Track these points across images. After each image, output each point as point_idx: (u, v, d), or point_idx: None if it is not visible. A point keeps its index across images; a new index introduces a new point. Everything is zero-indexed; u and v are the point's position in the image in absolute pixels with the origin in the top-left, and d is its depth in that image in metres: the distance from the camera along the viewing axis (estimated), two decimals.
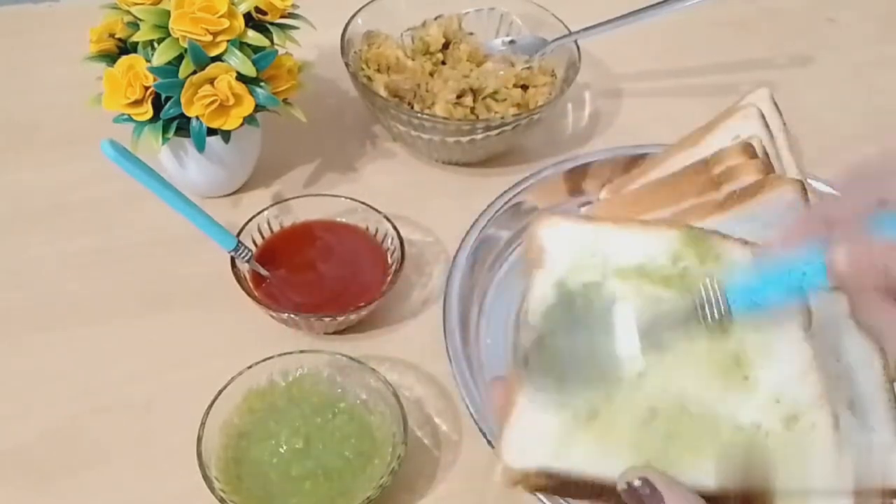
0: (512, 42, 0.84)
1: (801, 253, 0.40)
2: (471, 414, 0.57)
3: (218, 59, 0.64)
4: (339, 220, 0.69)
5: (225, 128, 0.65)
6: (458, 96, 0.76)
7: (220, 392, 0.55)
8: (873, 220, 0.39)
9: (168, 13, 0.62)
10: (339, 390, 0.57)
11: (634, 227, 0.44)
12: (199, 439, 0.52)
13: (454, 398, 0.61)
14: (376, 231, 0.68)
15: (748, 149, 0.65)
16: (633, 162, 0.75)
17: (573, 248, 0.43)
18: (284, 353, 0.57)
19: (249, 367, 0.56)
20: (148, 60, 0.63)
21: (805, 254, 0.39)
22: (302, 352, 0.58)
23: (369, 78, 0.78)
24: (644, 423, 0.39)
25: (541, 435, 0.39)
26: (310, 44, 0.72)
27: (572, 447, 0.39)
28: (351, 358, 0.57)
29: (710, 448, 0.39)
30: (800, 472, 0.40)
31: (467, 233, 0.68)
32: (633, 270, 0.43)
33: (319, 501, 0.52)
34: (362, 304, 0.62)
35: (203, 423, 0.53)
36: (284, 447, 0.54)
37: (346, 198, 0.68)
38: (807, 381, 0.42)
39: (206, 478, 0.51)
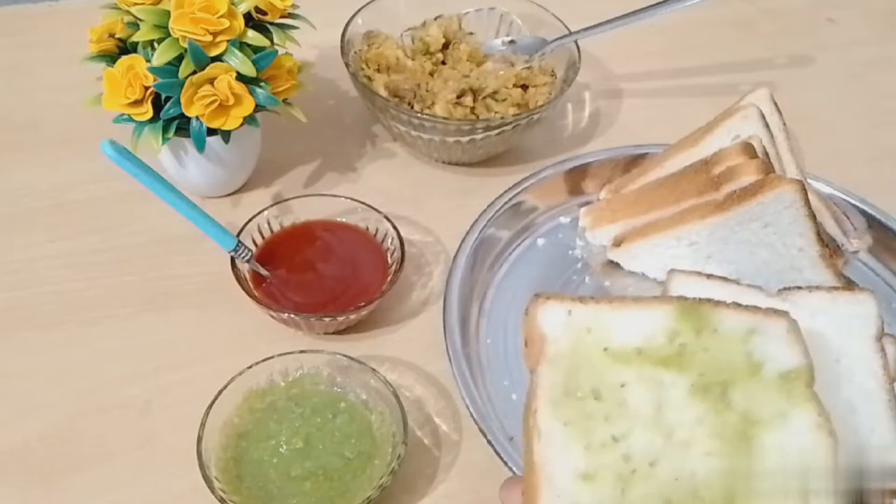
0: (512, 42, 0.84)
1: None
2: (471, 414, 0.57)
3: (218, 59, 0.64)
4: (339, 219, 0.69)
5: (225, 128, 0.65)
6: (458, 96, 0.76)
7: (220, 392, 0.55)
8: None
9: (168, 13, 0.62)
10: (339, 390, 0.57)
11: (629, 307, 0.44)
12: (199, 439, 0.52)
13: (454, 398, 0.61)
14: (376, 231, 0.68)
15: (748, 149, 0.65)
16: (632, 162, 0.76)
17: (571, 336, 0.43)
18: (284, 353, 0.57)
19: (249, 367, 0.56)
20: (148, 60, 0.63)
21: None
22: (302, 352, 0.58)
23: (369, 78, 0.78)
24: None
25: None
26: (310, 44, 0.72)
27: None
28: (351, 358, 0.57)
29: None
30: None
31: (467, 233, 0.68)
32: (633, 353, 0.43)
33: (319, 501, 0.52)
34: (362, 303, 0.62)
35: (203, 424, 0.53)
36: (284, 447, 0.54)
37: (346, 198, 0.68)
38: (818, 438, 0.42)
39: (205, 478, 0.51)
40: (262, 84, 0.66)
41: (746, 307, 0.44)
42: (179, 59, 0.63)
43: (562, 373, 0.43)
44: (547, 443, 0.41)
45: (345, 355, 0.57)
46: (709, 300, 0.45)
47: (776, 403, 0.41)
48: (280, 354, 0.57)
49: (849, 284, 0.62)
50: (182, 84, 0.62)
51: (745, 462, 0.40)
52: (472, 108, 0.76)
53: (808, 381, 0.42)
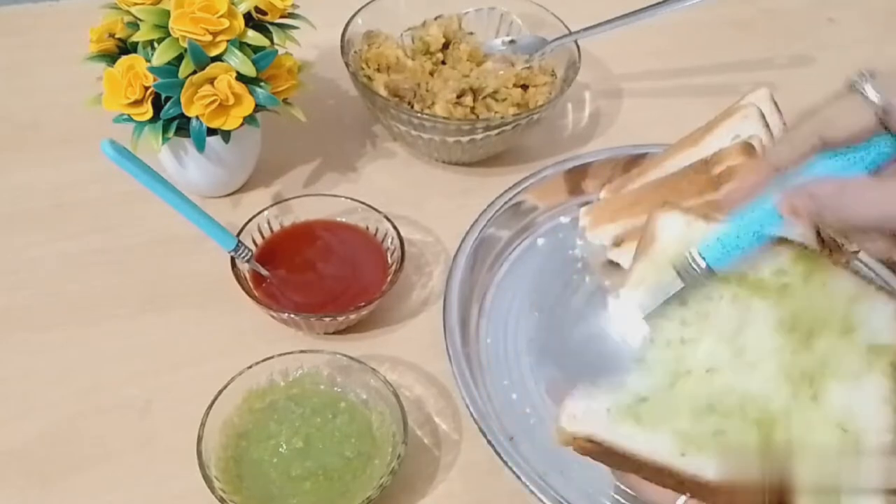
0: (512, 42, 0.84)
1: (755, 200, 0.42)
2: (471, 413, 0.57)
3: (218, 58, 0.64)
4: (339, 219, 0.69)
5: (225, 128, 0.65)
6: (458, 96, 0.76)
7: (220, 392, 0.55)
8: (811, 161, 0.42)
9: (168, 13, 0.62)
10: (339, 390, 0.57)
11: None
12: (199, 439, 0.52)
13: (454, 398, 0.61)
14: (376, 231, 0.68)
15: (748, 149, 0.65)
16: (633, 162, 0.76)
17: (680, 243, 0.45)
18: (284, 353, 0.57)
19: (249, 366, 0.56)
20: (148, 60, 0.63)
21: (759, 201, 0.42)
22: (302, 352, 0.58)
23: (369, 78, 0.78)
24: (698, 416, 0.41)
25: (595, 407, 0.43)
26: (310, 44, 0.72)
27: (620, 424, 0.42)
28: (351, 358, 0.57)
29: (755, 449, 0.40)
30: (836, 478, 0.41)
31: (467, 232, 0.68)
32: (735, 276, 0.44)
33: (320, 501, 0.52)
34: (362, 303, 0.62)
35: (203, 423, 0.53)
36: (284, 447, 0.54)
37: (346, 198, 0.68)
38: (881, 409, 0.42)
39: (206, 478, 0.51)
40: (262, 84, 0.66)
41: (864, 277, 0.45)
42: (179, 58, 0.63)
43: (655, 270, 0.45)
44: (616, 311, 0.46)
45: (345, 355, 0.57)
46: (831, 260, 0.46)
47: (856, 365, 0.42)
48: (280, 354, 0.57)
49: None
50: (182, 84, 0.62)
51: (801, 399, 0.41)
52: (472, 108, 0.76)
53: (893, 361, 0.42)
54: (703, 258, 0.44)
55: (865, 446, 0.41)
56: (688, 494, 0.42)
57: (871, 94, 0.45)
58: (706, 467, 0.41)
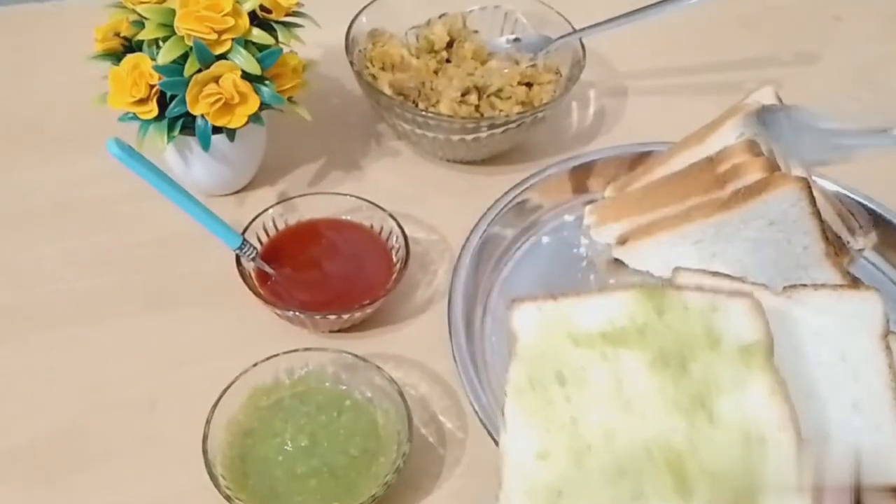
0: (517, 40, 0.84)
1: None
2: (475, 412, 0.57)
3: (223, 57, 0.64)
4: (343, 218, 0.69)
5: (230, 126, 0.65)
6: (463, 94, 0.76)
7: (225, 390, 0.55)
8: None
9: (173, 12, 0.62)
10: (344, 388, 0.57)
11: (594, 296, 0.48)
12: (205, 437, 0.52)
13: (459, 396, 0.61)
14: (381, 229, 0.68)
15: (753, 147, 0.65)
16: (637, 160, 0.76)
17: (540, 331, 0.47)
18: (289, 351, 0.57)
19: (254, 364, 0.56)
20: (153, 59, 0.63)
21: None
22: (307, 350, 0.58)
23: (374, 76, 0.78)
24: (614, 484, 0.42)
25: None
26: (314, 42, 0.72)
27: None
28: (356, 356, 0.57)
29: (677, 496, 0.41)
30: (763, 483, 0.42)
31: (472, 231, 0.68)
32: (597, 336, 0.46)
33: (325, 499, 0.52)
34: (367, 301, 0.62)
35: (208, 421, 0.53)
36: (290, 445, 0.54)
37: (351, 196, 0.68)
38: (772, 403, 0.43)
39: (211, 476, 0.51)
40: (267, 82, 0.66)
41: (709, 289, 0.47)
42: (185, 57, 0.63)
43: (527, 365, 0.46)
44: (509, 431, 0.45)
45: (350, 353, 0.57)
46: (672, 285, 0.48)
47: (734, 373, 0.43)
48: (285, 352, 0.57)
49: (854, 283, 0.62)
50: (187, 82, 0.63)
51: (698, 425, 0.42)
52: (477, 107, 0.76)
53: (766, 354, 0.44)
54: None
55: (772, 446, 0.42)
56: None
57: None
58: None
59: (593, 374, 0.45)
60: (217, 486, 0.51)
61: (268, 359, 0.57)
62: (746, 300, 0.46)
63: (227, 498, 0.50)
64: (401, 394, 0.56)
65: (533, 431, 0.45)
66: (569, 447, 0.44)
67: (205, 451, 0.52)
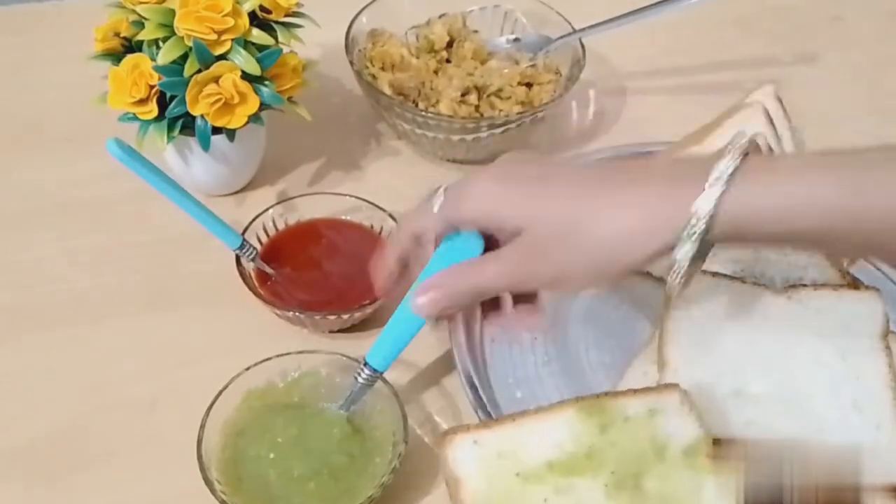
0: (516, 40, 0.84)
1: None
2: (475, 412, 0.57)
3: (223, 57, 0.64)
4: (343, 218, 0.69)
5: (230, 126, 0.65)
6: (463, 94, 0.76)
7: (219, 393, 0.55)
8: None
9: (173, 12, 0.62)
10: (339, 390, 0.57)
11: (532, 421, 0.46)
12: (199, 441, 0.52)
13: (454, 396, 0.61)
14: (381, 229, 0.68)
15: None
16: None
17: (483, 468, 0.45)
18: (282, 355, 0.57)
19: (247, 368, 0.56)
20: (153, 59, 0.63)
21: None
22: (300, 352, 0.57)
23: (374, 76, 0.78)
24: None
25: None
26: (314, 42, 0.72)
27: None
28: (350, 357, 0.57)
29: None
30: None
31: None
32: (545, 470, 0.44)
33: (322, 501, 0.52)
34: (367, 302, 0.62)
35: (203, 425, 0.53)
36: (281, 439, 0.54)
37: (351, 196, 0.68)
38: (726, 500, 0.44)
39: (206, 480, 0.51)
40: (267, 82, 0.66)
41: (641, 390, 0.47)
42: (184, 57, 0.63)
43: None
44: None
45: (343, 355, 0.57)
46: (605, 393, 0.48)
47: (686, 481, 0.43)
48: (278, 356, 0.57)
49: (854, 283, 0.62)
50: (187, 83, 0.63)
51: None
52: (477, 106, 0.76)
53: (707, 451, 0.44)
54: (370, 364, 0.53)
55: None
56: None
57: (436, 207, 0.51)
58: None
59: None
60: (212, 490, 0.50)
61: (261, 362, 0.56)
62: (675, 393, 0.46)
63: (223, 503, 0.50)
64: (395, 394, 0.55)
65: None
66: None
67: (199, 456, 0.51)
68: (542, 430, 0.46)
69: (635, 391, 0.47)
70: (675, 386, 0.47)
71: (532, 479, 0.44)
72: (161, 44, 0.63)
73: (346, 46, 0.77)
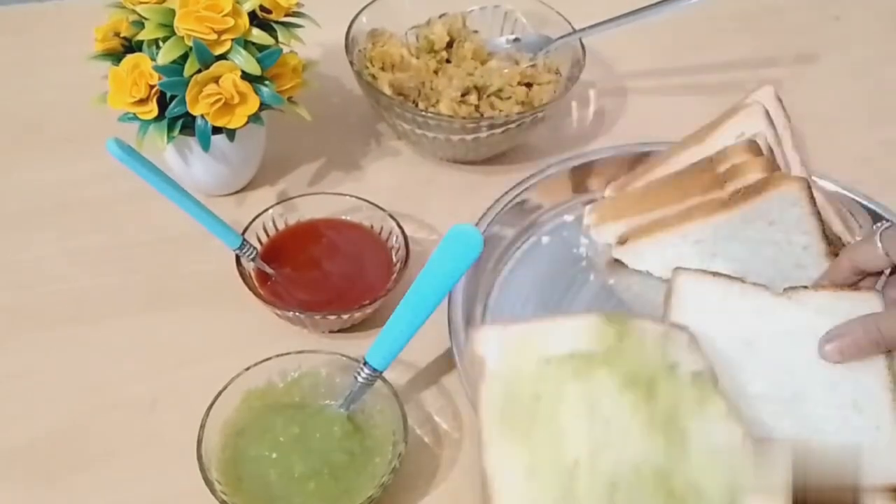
0: (516, 40, 0.84)
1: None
2: (475, 410, 0.57)
3: (223, 57, 0.64)
4: (343, 218, 0.69)
5: (230, 126, 0.65)
6: (463, 94, 0.76)
7: (219, 393, 0.55)
8: None
9: (173, 12, 0.62)
10: (339, 390, 0.57)
11: (558, 320, 0.48)
12: (199, 441, 0.52)
13: (454, 396, 0.61)
14: (381, 229, 0.68)
15: (753, 146, 0.65)
16: (637, 160, 0.76)
17: (508, 353, 0.47)
18: (282, 354, 0.57)
19: (247, 368, 0.56)
20: (153, 59, 0.63)
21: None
22: (300, 352, 0.57)
23: (374, 76, 0.78)
24: (609, 497, 0.43)
25: None
26: (314, 42, 0.72)
27: None
28: (350, 357, 0.57)
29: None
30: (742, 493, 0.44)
31: None
32: (567, 357, 0.46)
33: (322, 501, 0.52)
34: (367, 301, 0.62)
35: (203, 425, 0.53)
36: (282, 438, 0.54)
37: (351, 196, 0.68)
38: (730, 424, 0.46)
39: (206, 480, 0.51)
40: (267, 82, 0.66)
41: (657, 319, 0.50)
42: (184, 57, 0.63)
43: (501, 384, 0.46)
44: (492, 452, 0.44)
45: (343, 355, 0.57)
46: (628, 313, 0.51)
47: (693, 396, 0.46)
48: (278, 355, 0.57)
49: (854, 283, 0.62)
50: (187, 83, 0.63)
51: (674, 443, 0.45)
52: (477, 106, 0.76)
53: (713, 382, 0.47)
54: (370, 364, 0.53)
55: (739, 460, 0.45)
56: None
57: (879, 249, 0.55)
58: None
59: (568, 392, 0.46)
60: (213, 490, 0.50)
61: (260, 362, 0.56)
62: (684, 333, 0.48)
63: (223, 503, 0.50)
64: (395, 394, 0.56)
65: (516, 449, 0.45)
66: (555, 464, 0.44)
67: (199, 457, 0.51)
68: (565, 328, 0.48)
69: (652, 319, 0.49)
70: (684, 327, 0.49)
71: (553, 363, 0.46)
72: (161, 44, 0.63)
73: (346, 46, 0.77)
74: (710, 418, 0.46)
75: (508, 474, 0.44)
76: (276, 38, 0.67)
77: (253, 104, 0.65)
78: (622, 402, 0.46)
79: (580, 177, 0.76)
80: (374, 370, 0.54)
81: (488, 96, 0.77)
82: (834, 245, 0.64)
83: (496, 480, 0.44)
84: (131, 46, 0.66)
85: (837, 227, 0.68)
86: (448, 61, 0.81)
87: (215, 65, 0.63)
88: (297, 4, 0.69)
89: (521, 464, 0.44)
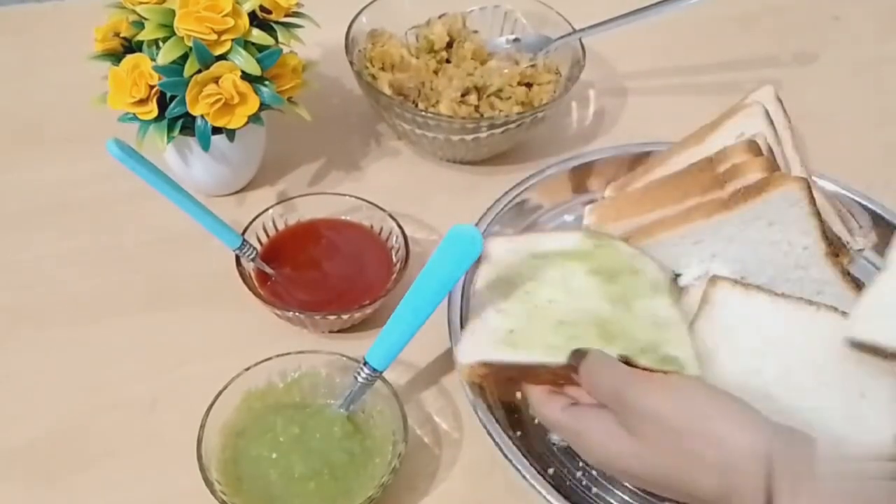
0: (516, 40, 0.84)
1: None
2: (476, 412, 0.57)
3: (223, 57, 0.64)
4: (343, 218, 0.69)
5: (230, 126, 0.65)
6: (463, 94, 0.76)
7: (219, 394, 0.55)
8: None
9: (173, 12, 0.62)
10: (338, 390, 0.57)
11: (551, 233, 0.67)
12: (199, 441, 0.52)
13: (454, 396, 0.61)
14: (381, 229, 0.68)
15: (753, 146, 0.65)
16: (637, 160, 0.76)
17: (507, 252, 0.61)
18: (282, 354, 0.57)
19: (247, 368, 0.56)
20: (153, 59, 0.63)
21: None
22: (300, 352, 0.57)
23: (374, 76, 0.78)
24: (555, 329, 0.54)
25: (477, 340, 0.55)
26: (314, 42, 0.72)
27: (501, 351, 0.53)
28: (349, 358, 0.57)
29: (601, 341, 0.53)
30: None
31: None
32: (550, 252, 0.61)
33: (322, 501, 0.52)
34: (367, 302, 0.62)
35: (203, 426, 0.53)
36: (282, 438, 0.54)
37: (351, 196, 0.68)
38: (673, 310, 0.57)
39: (206, 481, 0.51)
40: (267, 83, 0.66)
41: (632, 248, 0.63)
42: (184, 57, 0.63)
43: (495, 267, 0.59)
44: (474, 300, 0.59)
45: (343, 355, 0.57)
46: (608, 234, 0.65)
47: (647, 290, 0.58)
48: (278, 355, 0.57)
49: (854, 283, 0.62)
50: (187, 83, 0.63)
51: (620, 309, 0.56)
52: (477, 107, 0.76)
53: (668, 288, 0.59)
54: (370, 364, 0.55)
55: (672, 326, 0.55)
56: (561, 382, 0.52)
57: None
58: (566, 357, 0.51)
59: (547, 272, 0.59)
60: (212, 490, 0.50)
61: (260, 362, 0.56)
62: (654, 262, 0.61)
63: (223, 503, 0.50)
64: (395, 394, 0.56)
65: (495, 298, 0.57)
66: (522, 306, 0.56)
67: (199, 457, 0.51)
68: (556, 238, 0.63)
69: (627, 245, 0.63)
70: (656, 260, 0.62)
71: (539, 255, 0.60)
72: (161, 44, 0.63)
73: (346, 46, 0.77)
74: (657, 303, 0.57)
75: (483, 309, 0.56)
76: (275, 38, 0.67)
77: (253, 104, 0.65)
78: (587, 281, 0.58)
79: (580, 177, 0.76)
80: (374, 370, 0.54)
81: (488, 96, 0.77)
82: (834, 245, 0.64)
83: (473, 314, 0.57)
84: (131, 46, 0.66)
85: (837, 227, 0.68)
86: (448, 61, 0.81)
87: (215, 65, 0.63)
88: (297, 4, 0.69)
89: (496, 305, 0.56)
